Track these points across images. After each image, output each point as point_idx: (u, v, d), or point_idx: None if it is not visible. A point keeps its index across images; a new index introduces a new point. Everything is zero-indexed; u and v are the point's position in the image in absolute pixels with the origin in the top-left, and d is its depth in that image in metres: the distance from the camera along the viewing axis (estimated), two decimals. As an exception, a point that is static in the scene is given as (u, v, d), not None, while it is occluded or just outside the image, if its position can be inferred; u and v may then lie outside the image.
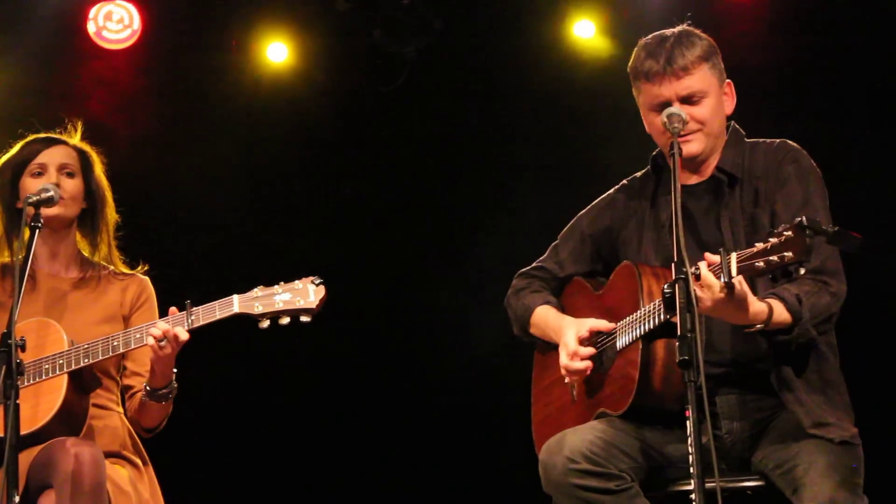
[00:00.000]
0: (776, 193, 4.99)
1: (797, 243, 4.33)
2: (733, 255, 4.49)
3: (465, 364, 8.65)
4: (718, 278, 4.51)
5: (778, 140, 5.15)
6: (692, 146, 5.04)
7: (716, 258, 4.53)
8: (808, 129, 7.46)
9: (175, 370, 5.43)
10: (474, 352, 8.56)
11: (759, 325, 4.69)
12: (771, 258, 4.37)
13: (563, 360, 5.16)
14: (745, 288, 4.59)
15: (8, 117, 7.77)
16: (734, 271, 4.48)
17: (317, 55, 8.79)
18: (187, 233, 8.62)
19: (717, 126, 5.10)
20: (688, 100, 5.00)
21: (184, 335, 5.27)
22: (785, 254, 4.35)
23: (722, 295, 4.53)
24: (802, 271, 4.38)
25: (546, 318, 5.38)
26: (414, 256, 8.84)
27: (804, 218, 4.33)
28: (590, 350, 5.13)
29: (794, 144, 5.12)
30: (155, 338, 5.26)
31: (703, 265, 4.56)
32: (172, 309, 5.36)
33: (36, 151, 5.70)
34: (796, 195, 4.96)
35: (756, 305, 4.65)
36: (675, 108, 4.92)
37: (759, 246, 4.43)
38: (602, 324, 5.14)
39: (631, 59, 5.14)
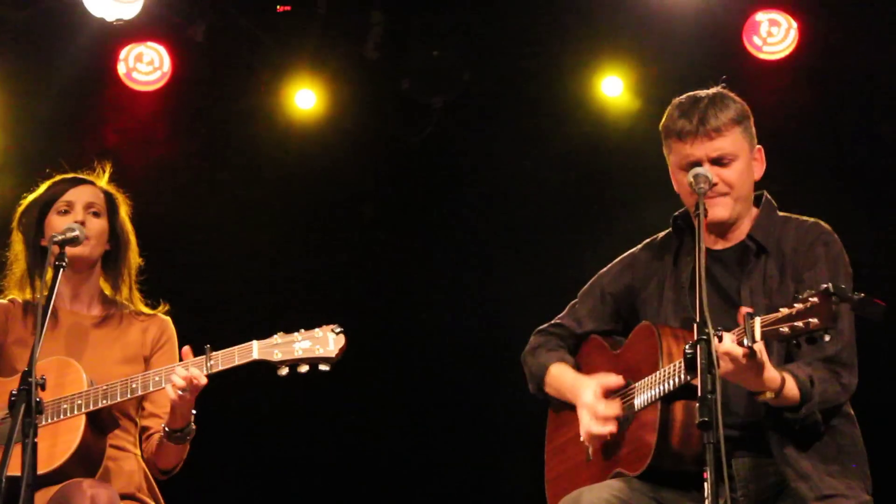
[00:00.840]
0: (804, 273, 4.95)
1: (823, 310, 4.33)
2: (757, 320, 4.47)
3: (483, 417, 8.64)
4: (741, 343, 4.51)
5: (811, 220, 5.13)
6: (719, 210, 5.03)
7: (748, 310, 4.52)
8: (836, 187, 7.52)
9: (194, 412, 5.42)
10: (493, 404, 8.54)
11: (769, 395, 4.67)
12: (796, 324, 4.37)
13: (586, 421, 5.12)
14: (764, 355, 4.57)
15: (37, 157, 7.81)
16: (758, 336, 4.47)
17: (345, 103, 8.82)
18: (211, 275, 8.62)
19: (746, 190, 5.08)
20: (718, 161, 4.99)
21: (202, 380, 5.26)
22: (810, 320, 4.35)
23: (744, 361, 4.52)
24: (827, 338, 4.37)
25: (562, 376, 5.35)
26: (437, 303, 8.84)
27: (830, 285, 4.33)
28: (615, 410, 5.09)
29: (827, 226, 5.10)
30: (177, 387, 5.26)
31: (726, 335, 4.55)
32: (186, 349, 5.37)
33: (63, 190, 5.72)
34: (823, 279, 4.89)
35: (771, 371, 4.63)
36: (703, 169, 4.91)
37: (784, 311, 4.42)
38: (612, 379, 5.11)
39: (663, 118, 5.13)
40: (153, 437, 5.57)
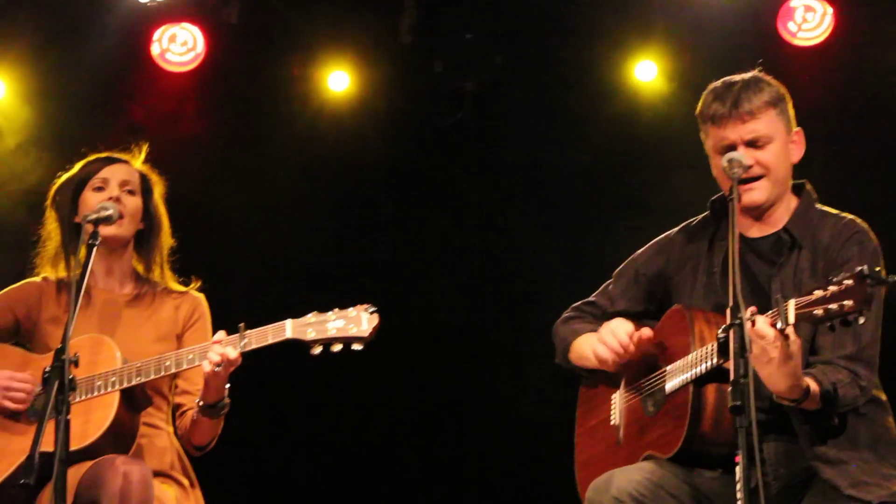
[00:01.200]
0: (836, 271, 4.90)
1: (858, 292, 4.31)
2: (791, 302, 4.46)
3: (515, 403, 8.64)
4: (774, 325, 4.49)
5: (848, 216, 5.11)
6: (756, 195, 5.03)
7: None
8: (871, 174, 7.47)
9: (228, 385, 5.43)
10: (524, 395, 8.54)
11: (790, 401, 4.67)
12: (830, 306, 4.35)
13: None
14: (798, 354, 4.57)
15: (70, 136, 7.83)
16: (791, 318, 4.45)
17: (378, 85, 8.82)
18: (244, 255, 8.64)
19: (783, 173, 5.08)
20: (752, 144, 5.00)
21: (230, 354, 5.25)
22: (845, 302, 4.33)
23: (778, 344, 4.51)
24: (862, 321, 4.35)
25: (588, 340, 5.35)
26: (470, 286, 8.84)
27: (865, 267, 4.31)
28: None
29: (863, 225, 5.07)
30: (212, 363, 5.27)
31: (760, 317, 4.53)
32: (220, 333, 5.38)
33: (98, 168, 5.75)
34: None
35: (798, 374, 4.63)
36: (737, 154, 4.90)
37: (819, 293, 4.40)
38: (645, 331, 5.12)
39: (699, 104, 5.14)
40: (187, 413, 5.59)
